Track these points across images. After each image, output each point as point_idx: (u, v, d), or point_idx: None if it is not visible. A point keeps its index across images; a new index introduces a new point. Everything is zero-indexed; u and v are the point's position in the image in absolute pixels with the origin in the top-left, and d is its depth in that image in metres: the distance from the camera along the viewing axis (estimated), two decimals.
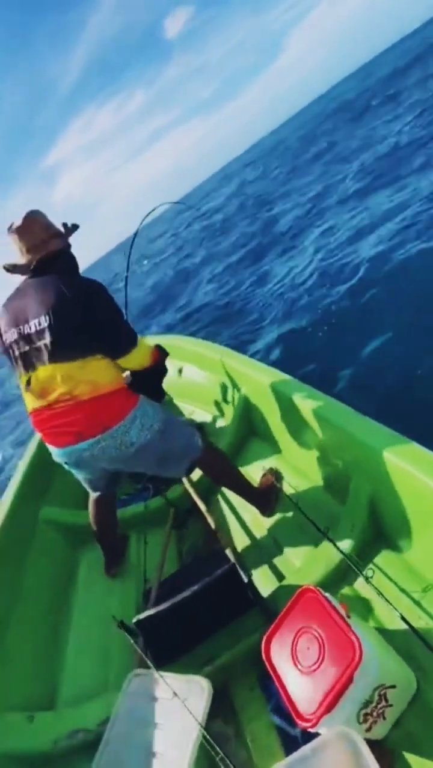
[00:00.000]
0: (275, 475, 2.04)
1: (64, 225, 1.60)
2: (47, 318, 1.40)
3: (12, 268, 1.51)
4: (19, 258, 1.50)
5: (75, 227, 1.62)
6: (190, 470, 1.78)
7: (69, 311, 1.41)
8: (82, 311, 1.42)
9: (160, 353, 1.75)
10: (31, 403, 1.53)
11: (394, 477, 1.30)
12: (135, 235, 2.99)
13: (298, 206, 9.62)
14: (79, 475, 1.73)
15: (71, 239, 1.61)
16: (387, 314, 4.01)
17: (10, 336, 1.49)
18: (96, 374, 1.46)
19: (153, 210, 2.91)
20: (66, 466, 1.64)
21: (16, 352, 1.48)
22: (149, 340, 1.62)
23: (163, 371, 1.80)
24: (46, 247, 1.48)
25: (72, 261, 1.56)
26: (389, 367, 3.32)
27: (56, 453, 1.58)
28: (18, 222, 1.49)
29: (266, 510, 1.91)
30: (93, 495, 1.87)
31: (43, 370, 1.44)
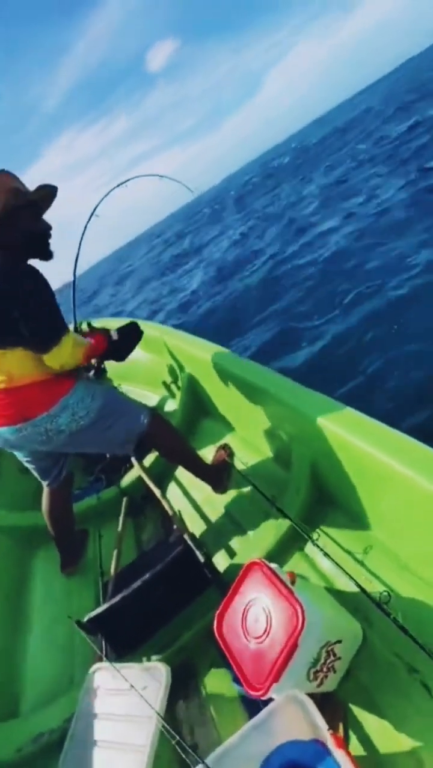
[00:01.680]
0: (227, 450, 2.04)
1: (43, 188, 1.40)
2: None
3: None
4: None
5: (47, 193, 1.40)
6: (139, 449, 1.75)
7: None
8: (3, 299, 1.30)
9: (109, 343, 1.65)
10: None
11: (330, 441, 1.32)
12: (92, 213, 2.72)
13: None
14: (21, 458, 1.71)
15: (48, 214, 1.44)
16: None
17: None
18: (13, 366, 1.38)
19: (125, 182, 2.67)
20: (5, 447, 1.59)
21: None
22: (78, 338, 1.46)
23: (121, 350, 1.73)
24: None
25: (12, 235, 1.34)
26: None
27: None
28: None
29: (218, 487, 1.91)
30: (45, 488, 1.83)
31: None
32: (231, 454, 2.03)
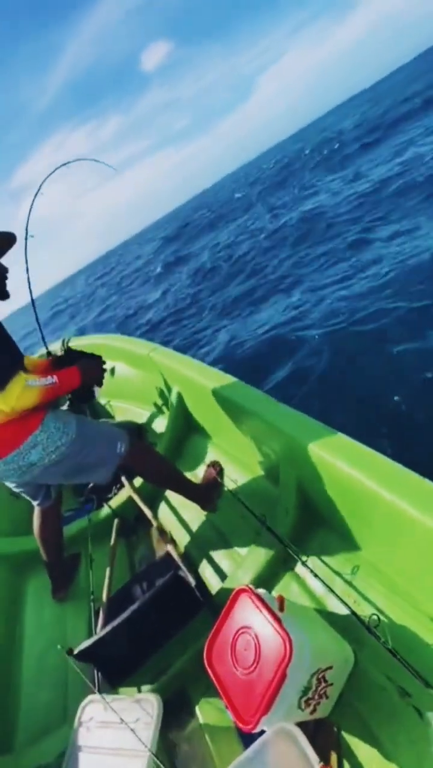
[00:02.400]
0: (217, 468, 2.03)
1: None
2: None
3: None
4: None
5: (4, 240, 1.48)
6: (128, 470, 1.73)
7: None
8: None
9: (70, 377, 1.56)
10: None
11: (316, 464, 1.33)
12: (37, 193, 2.61)
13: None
14: (8, 484, 1.71)
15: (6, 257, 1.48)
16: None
17: None
18: None
19: (65, 164, 2.60)
20: None
21: None
22: (30, 380, 1.40)
23: (83, 392, 1.70)
24: None
25: None
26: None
27: None
28: None
29: (207, 505, 1.90)
30: (36, 507, 1.83)
31: None
32: (221, 471, 2.02)
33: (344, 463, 1.21)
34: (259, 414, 1.59)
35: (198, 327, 6.75)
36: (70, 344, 1.96)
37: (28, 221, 2.45)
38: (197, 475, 2.13)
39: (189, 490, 1.88)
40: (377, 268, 5.00)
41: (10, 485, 1.72)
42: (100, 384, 1.72)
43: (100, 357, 1.78)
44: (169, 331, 7.44)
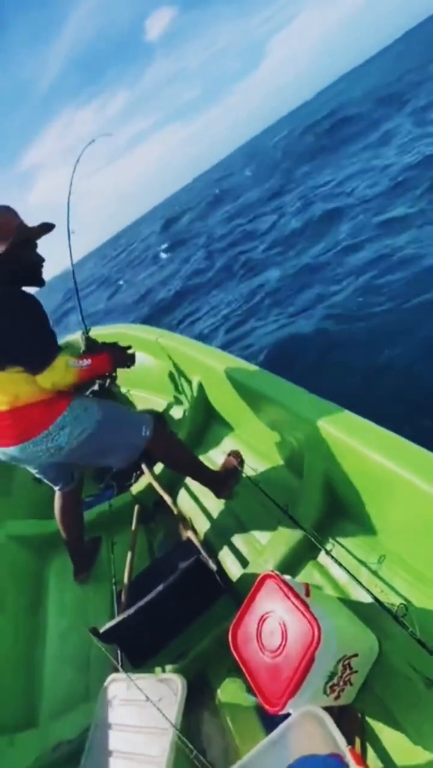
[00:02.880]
0: (238, 458, 2.04)
1: (43, 225, 1.52)
2: None
3: None
4: None
5: (45, 228, 1.52)
6: (148, 456, 1.80)
7: None
8: (2, 324, 1.39)
9: (102, 363, 1.63)
10: None
11: (342, 452, 1.32)
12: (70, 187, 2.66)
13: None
14: (31, 470, 1.76)
15: (43, 240, 1.53)
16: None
17: None
18: (16, 387, 1.44)
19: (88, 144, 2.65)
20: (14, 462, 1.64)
21: None
22: (71, 361, 1.48)
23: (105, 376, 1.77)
24: None
25: (11, 268, 1.44)
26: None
27: None
28: None
29: (221, 493, 1.92)
30: (57, 492, 1.88)
31: None
32: (241, 462, 2.03)
33: (371, 450, 1.20)
34: (283, 402, 1.58)
35: (220, 306, 6.59)
36: (90, 334, 2.05)
37: (68, 220, 2.52)
38: (216, 463, 2.14)
39: (206, 476, 1.90)
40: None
41: (33, 470, 1.76)
42: (132, 363, 1.79)
43: (123, 346, 1.82)
44: (189, 310, 7.22)
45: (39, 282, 1.57)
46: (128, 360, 1.77)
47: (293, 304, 5.30)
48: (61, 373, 1.44)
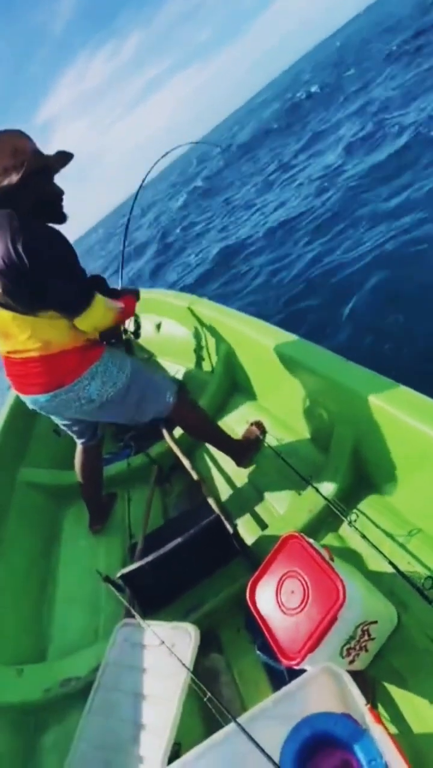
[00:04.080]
0: (261, 428, 2.02)
1: (60, 153, 1.37)
2: None
3: None
4: None
5: (63, 157, 1.37)
6: (168, 420, 1.78)
7: (15, 261, 1.24)
8: (28, 263, 1.24)
9: (131, 304, 1.62)
10: (1, 345, 1.46)
11: (378, 420, 1.28)
12: (143, 181, 2.71)
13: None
14: (57, 421, 1.74)
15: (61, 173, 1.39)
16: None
17: None
18: (48, 333, 1.37)
19: (173, 149, 2.66)
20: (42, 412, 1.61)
21: None
22: (107, 300, 1.41)
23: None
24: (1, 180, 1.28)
25: (30, 200, 1.31)
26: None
27: (24, 400, 1.57)
28: None
29: (241, 461, 1.90)
30: (79, 445, 1.87)
31: (2, 313, 1.35)
32: (264, 432, 2.00)
33: (410, 417, 1.15)
34: (319, 371, 1.54)
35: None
36: None
37: (133, 206, 2.53)
38: (237, 433, 2.12)
39: (226, 443, 1.88)
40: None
41: (60, 421, 1.75)
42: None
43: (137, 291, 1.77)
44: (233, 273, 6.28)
45: (60, 217, 1.41)
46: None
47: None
48: (101, 314, 1.37)
